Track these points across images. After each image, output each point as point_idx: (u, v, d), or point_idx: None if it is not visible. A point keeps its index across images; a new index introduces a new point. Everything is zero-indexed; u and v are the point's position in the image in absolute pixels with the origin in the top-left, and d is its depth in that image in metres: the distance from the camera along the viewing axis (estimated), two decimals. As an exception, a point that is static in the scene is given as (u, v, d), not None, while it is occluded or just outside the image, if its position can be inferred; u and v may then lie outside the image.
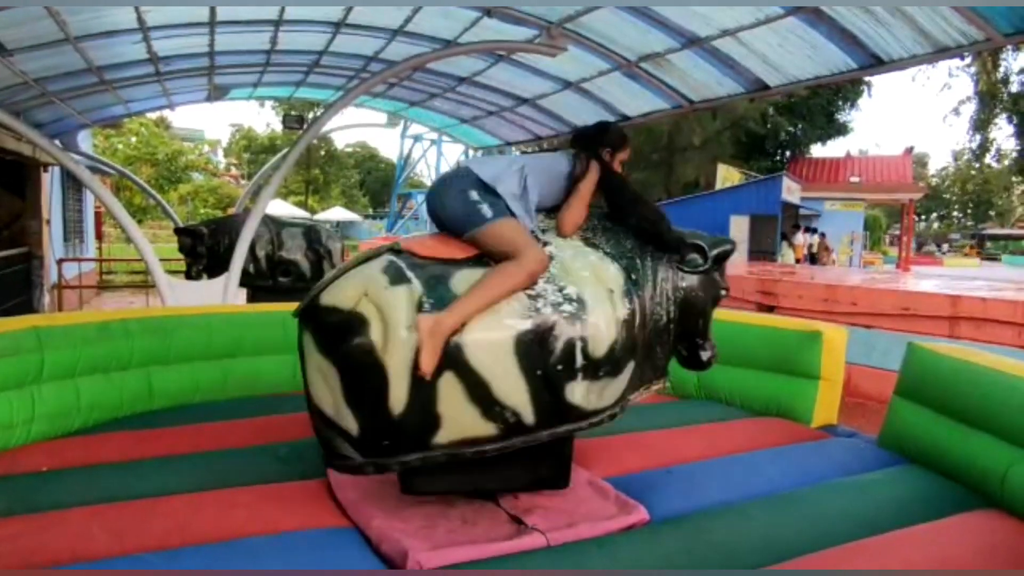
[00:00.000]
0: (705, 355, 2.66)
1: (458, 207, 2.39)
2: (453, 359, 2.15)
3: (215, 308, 4.39)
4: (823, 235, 19.01)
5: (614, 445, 3.15)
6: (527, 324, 2.22)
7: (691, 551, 2.25)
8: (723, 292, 2.69)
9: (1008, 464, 2.66)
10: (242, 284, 6.23)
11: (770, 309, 8.02)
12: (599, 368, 2.30)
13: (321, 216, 33.15)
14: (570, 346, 2.25)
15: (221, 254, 6.65)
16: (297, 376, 4.11)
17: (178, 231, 7.38)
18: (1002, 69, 24.08)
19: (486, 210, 2.36)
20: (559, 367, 2.24)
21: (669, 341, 2.60)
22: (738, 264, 13.44)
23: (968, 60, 23.68)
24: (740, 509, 2.55)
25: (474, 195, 2.39)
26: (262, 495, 2.52)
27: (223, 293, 5.60)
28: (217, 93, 8.09)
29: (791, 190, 19.93)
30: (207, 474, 2.70)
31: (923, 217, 52.40)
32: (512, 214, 2.40)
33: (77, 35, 4.83)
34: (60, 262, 9.90)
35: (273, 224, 7.36)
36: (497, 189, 2.41)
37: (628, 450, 3.11)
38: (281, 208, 27.40)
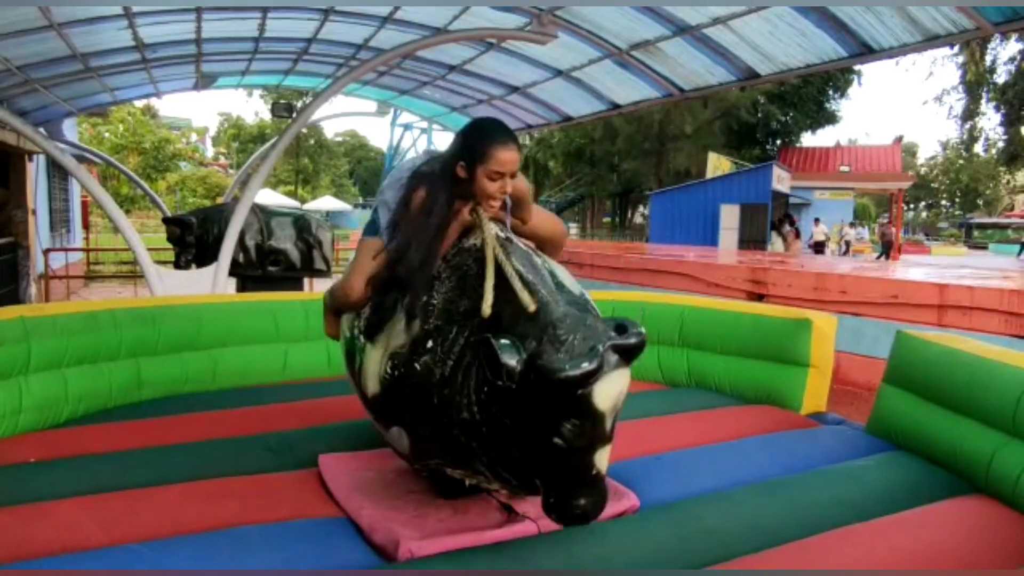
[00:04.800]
0: (555, 504, 1.91)
1: None
2: None
3: (204, 298, 4.36)
4: (793, 221, 19.10)
5: (605, 433, 3.15)
6: (346, 336, 2.50)
7: (681, 537, 2.26)
8: (554, 441, 1.84)
9: (994, 450, 2.69)
10: (231, 274, 6.20)
11: (760, 297, 8.06)
12: (372, 410, 2.37)
13: (311, 205, 32.97)
14: (356, 374, 2.41)
15: (210, 244, 6.61)
16: (286, 366, 4.14)
17: (166, 220, 7.33)
18: (989, 58, 24.17)
19: (366, 225, 2.40)
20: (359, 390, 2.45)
21: (494, 448, 2.03)
22: (730, 252, 13.49)
23: (956, 49, 23.75)
24: (730, 495, 2.56)
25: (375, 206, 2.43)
26: (252, 485, 2.51)
27: (212, 283, 5.56)
28: (204, 81, 8.01)
29: (781, 179, 20.03)
30: (197, 464, 2.69)
31: (911, 206, 52.70)
32: (383, 232, 2.40)
33: (60, 21, 4.76)
34: (46, 252, 9.81)
35: (262, 213, 7.31)
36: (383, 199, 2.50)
37: (618, 437, 3.08)
38: (270, 197, 27.23)
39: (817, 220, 19.90)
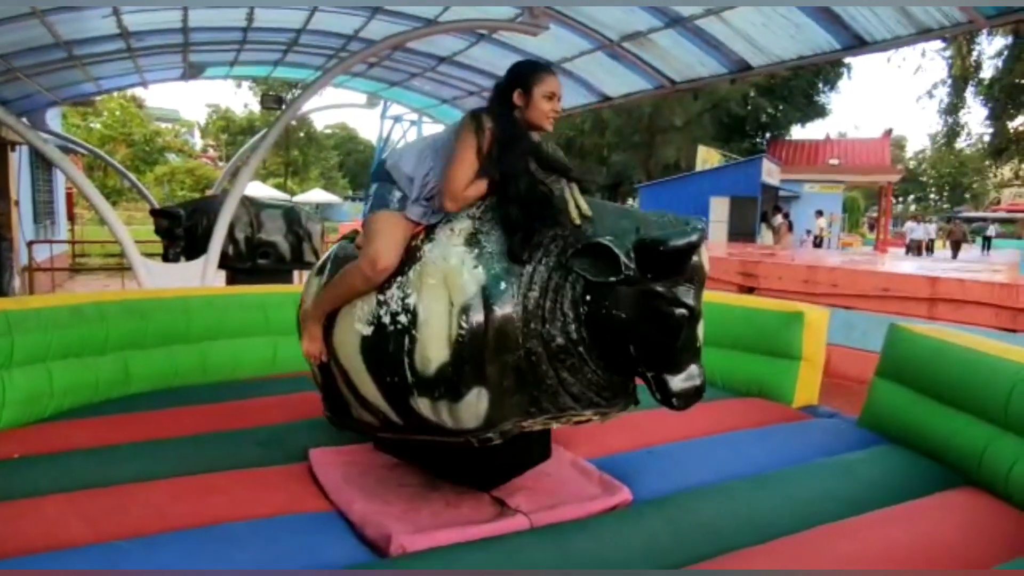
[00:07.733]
0: (674, 385, 1.99)
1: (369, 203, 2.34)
2: (331, 349, 2.37)
3: (193, 291, 4.31)
4: (787, 214, 19.09)
5: (597, 426, 3.14)
6: (369, 331, 2.18)
7: (674, 531, 2.25)
8: (676, 312, 1.93)
9: (985, 443, 2.70)
10: (221, 266, 6.14)
11: (750, 290, 8.07)
12: (433, 388, 2.08)
13: (300, 198, 32.74)
14: (399, 360, 2.11)
15: (199, 236, 6.52)
16: (276, 359, 4.10)
17: (154, 213, 7.24)
18: (976, 53, 24.26)
19: (371, 204, 2.30)
20: (396, 379, 2.13)
21: (588, 367, 2.07)
22: (719, 245, 13.53)
23: (944, 43, 23.84)
24: (722, 489, 2.56)
25: (372, 188, 2.33)
26: (241, 480, 2.49)
27: (201, 275, 5.51)
28: (192, 71, 7.91)
29: (771, 172, 20.06)
30: (185, 459, 2.66)
31: (900, 199, 53.00)
32: (396, 205, 2.24)
33: (44, 8, 4.66)
34: (31, 244, 9.69)
35: (252, 206, 7.23)
36: (392, 175, 2.28)
37: (611, 431, 3.09)
38: (260, 190, 27.02)
39: (820, 212, 19.82)
